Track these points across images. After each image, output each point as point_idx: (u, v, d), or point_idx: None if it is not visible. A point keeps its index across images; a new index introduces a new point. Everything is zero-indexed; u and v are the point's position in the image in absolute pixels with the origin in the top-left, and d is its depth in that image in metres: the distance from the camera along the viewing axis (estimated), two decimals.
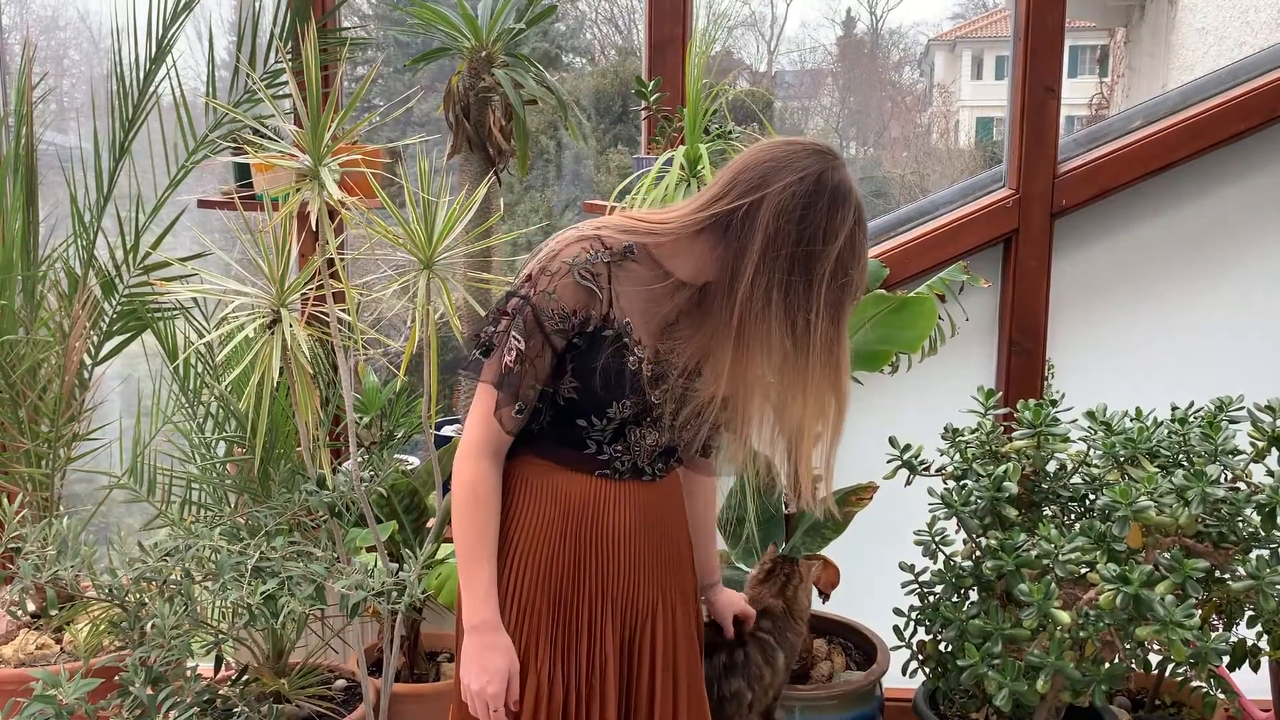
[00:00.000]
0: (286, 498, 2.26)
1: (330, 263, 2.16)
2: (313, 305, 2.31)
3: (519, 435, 1.71)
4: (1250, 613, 2.36)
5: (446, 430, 3.13)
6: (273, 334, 2.13)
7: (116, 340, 2.71)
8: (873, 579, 2.59)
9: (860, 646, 2.75)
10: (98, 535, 2.60)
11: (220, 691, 2.17)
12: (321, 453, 2.29)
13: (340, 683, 2.67)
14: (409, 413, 2.92)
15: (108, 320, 2.67)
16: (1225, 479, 2.22)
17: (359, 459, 2.32)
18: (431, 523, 2.68)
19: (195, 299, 2.62)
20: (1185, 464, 2.29)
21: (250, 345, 2.16)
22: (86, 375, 2.68)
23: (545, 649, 1.67)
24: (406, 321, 2.22)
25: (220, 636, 2.15)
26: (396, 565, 2.07)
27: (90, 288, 2.59)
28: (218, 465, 2.56)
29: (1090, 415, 2.40)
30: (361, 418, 2.84)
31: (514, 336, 1.65)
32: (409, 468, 3.01)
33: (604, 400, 1.61)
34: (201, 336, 2.36)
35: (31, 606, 2.69)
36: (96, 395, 2.82)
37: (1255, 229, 3.10)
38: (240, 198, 2.45)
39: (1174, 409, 2.40)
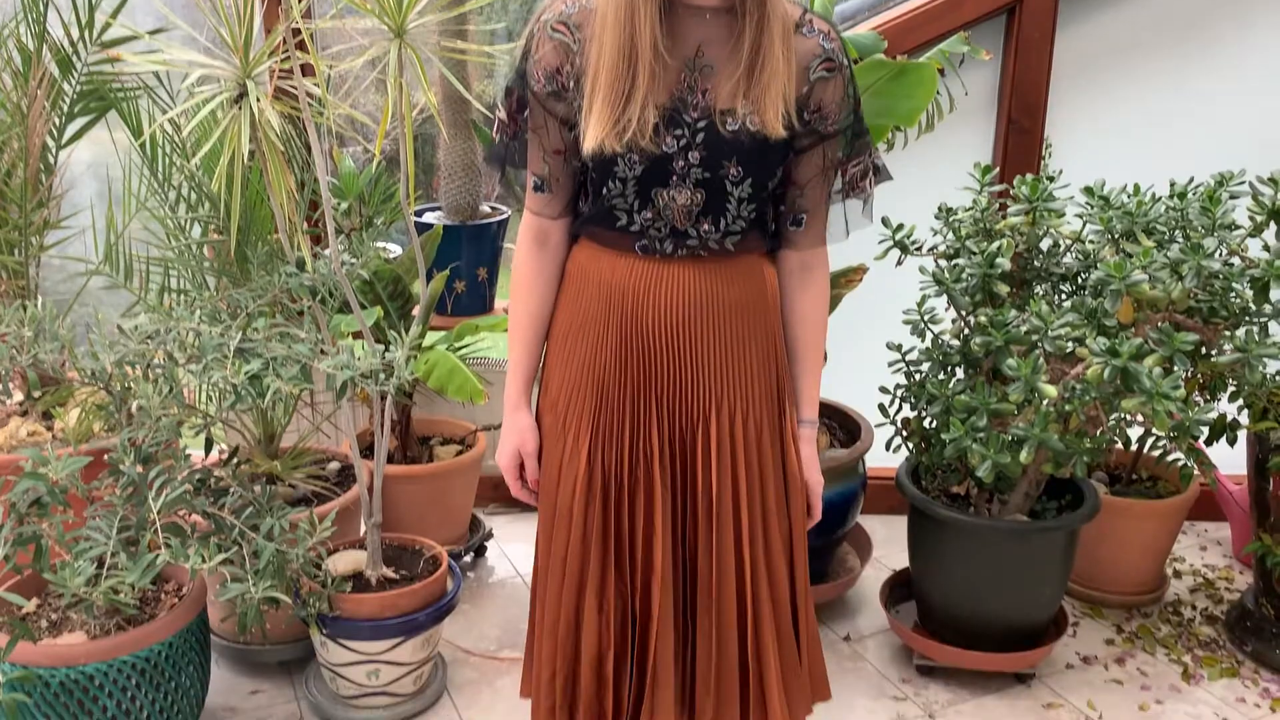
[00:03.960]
0: (266, 280, 2.21)
1: (296, 32, 2.04)
2: (280, 78, 2.19)
3: (575, 219, 1.63)
4: (1232, 388, 2.38)
5: (428, 217, 3.07)
6: (240, 109, 2.04)
7: (80, 122, 2.60)
8: (859, 363, 2.59)
9: (845, 426, 2.79)
10: (79, 332, 2.57)
11: (213, 473, 2.19)
12: (299, 236, 2.23)
13: (334, 465, 2.71)
14: (388, 199, 2.85)
15: (68, 101, 2.55)
16: (1221, 254, 2.19)
17: (339, 245, 2.27)
18: (417, 309, 2.65)
19: (158, 75, 2.49)
20: (1181, 240, 2.25)
21: (218, 122, 2.07)
22: (51, 159, 2.59)
23: (586, 436, 1.61)
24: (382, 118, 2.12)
25: (208, 419, 2.16)
26: (383, 347, 2.05)
27: (46, 65, 2.46)
28: (194, 248, 2.50)
29: (1088, 191, 2.34)
30: (339, 203, 2.77)
31: (515, 113, 1.58)
32: (391, 256, 2.96)
33: (608, 158, 1.52)
34: (167, 115, 2.25)
35: (19, 396, 2.69)
36: (65, 181, 2.73)
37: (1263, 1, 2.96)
38: None
39: (1172, 185, 2.34)
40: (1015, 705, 2.40)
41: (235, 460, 2.25)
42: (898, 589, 2.64)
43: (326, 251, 2.21)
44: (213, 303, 2.24)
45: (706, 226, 1.54)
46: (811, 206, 1.60)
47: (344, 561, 2.32)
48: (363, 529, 2.45)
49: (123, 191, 2.57)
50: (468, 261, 3.01)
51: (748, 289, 1.60)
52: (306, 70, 2.30)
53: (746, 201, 1.53)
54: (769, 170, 1.52)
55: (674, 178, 1.50)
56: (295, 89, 2.09)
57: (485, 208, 3.10)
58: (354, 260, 2.29)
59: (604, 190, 1.53)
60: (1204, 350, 2.22)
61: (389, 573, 2.33)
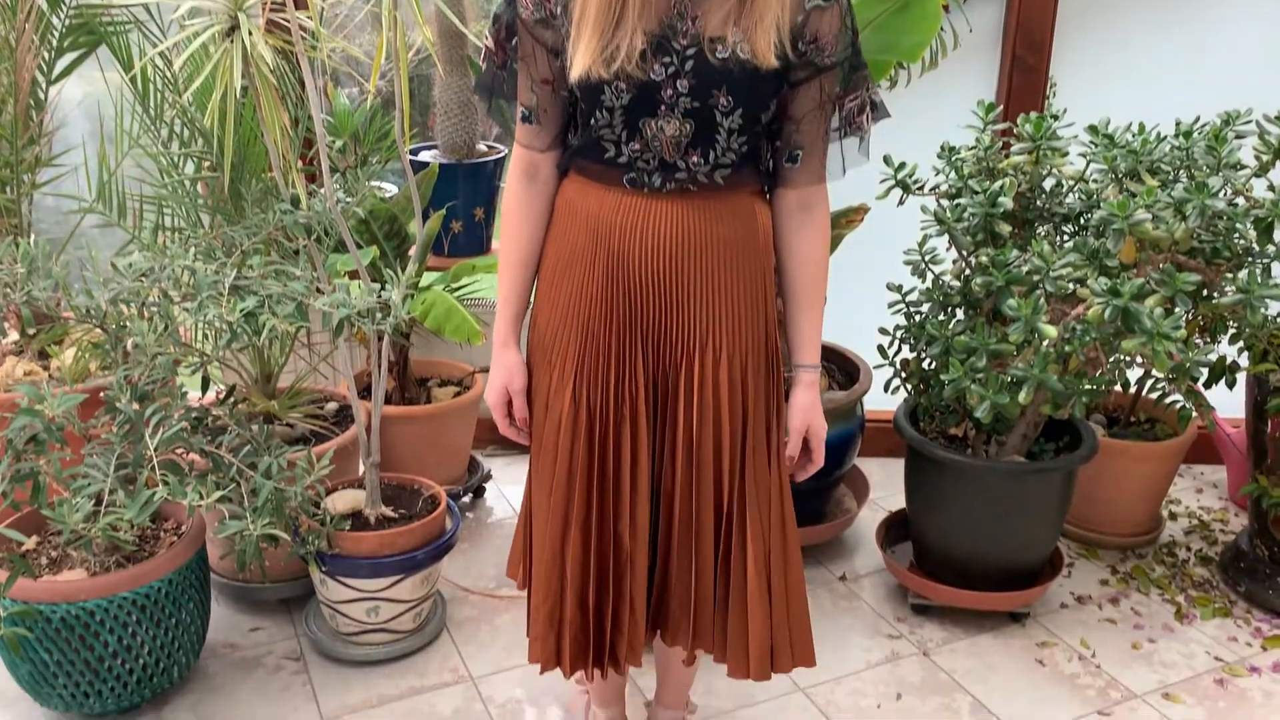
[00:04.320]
0: (261, 218, 2.19)
1: None
2: (272, 10, 2.15)
3: (564, 152, 1.60)
4: (1233, 330, 2.37)
5: (424, 155, 3.03)
6: (231, 43, 2.00)
7: (70, 57, 2.56)
8: (859, 305, 2.58)
9: (843, 368, 2.78)
10: (73, 271, 2.55)
11: (211, 412, 2.19)
12: (294, 174, 2.21)
13: (332, 406, 2.71)
14: (384, 138, 2.81)
15: (57, 35, 2.51)
16: (1226, 193, 2.17)
17: (334, 184, 2.24)
18: (413, 250, 2.63)
19: (149, 8, 2.45)
20: (1186, 179, 2.23)
21: (210, 56, 2.03)
22: (42, 95, 2.55)
23: (572, 372, 1.60)
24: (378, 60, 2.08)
25: (205, 358, 2.15)
26: (379, 286, 2.03)
27: None
28: (187, 185, 2.47)
29: (1092, 129, 2.31)
30: (334, 141, 2.74)
31: (503, 40, 1.55)
32: (387, 195, 2.93)
33: (596, 86, 1.49)
34: (158, 49, 2.21)
35: (14, 335, 2.68)
36: (56, 119, 2.70)
37: None
38: None
39: (1178, 124, 2.31)
40: (1009, 644, 2.42)
41: (232, 399, 2.24)
42: (894, 530, 2.66)
43: (322, 190, 2.18)
44: (207, 240, 2.22)
45: (695, 159, 1.50)
46: (808, 142, 1.55)
47: (343, 500, 2.32)
48: (361, 469, 2.46)
49: (115, 128, 2.54)
50: (464, 201, 2.98)
51: (737, 227, 1.56)
52: (299, 2, 2.25)
53: (737, 133, 1.49)
54: (760, 101, 1.49)
55: (662, 107, 1.47)
56: (288, 22, 2.05)
57: (482, 146, 3.06)
58: (349, 198, 2.27)
59: (592, 121, 1.50)
60: (1205, 292, 2.21)
61: (388, 512, 2.33)
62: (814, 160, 1.57)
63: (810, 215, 1.60)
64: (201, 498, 1.86)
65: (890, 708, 2.21)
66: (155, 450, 1.88)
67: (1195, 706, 2.22)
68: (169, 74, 2.44)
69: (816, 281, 1.63)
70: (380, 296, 2.02)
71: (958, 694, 2.25)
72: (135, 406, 1.93)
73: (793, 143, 1.55)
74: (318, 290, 2.07)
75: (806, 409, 1.65)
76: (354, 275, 2.54)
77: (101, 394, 1.97)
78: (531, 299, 1.69)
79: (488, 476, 3.03)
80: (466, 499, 2.98)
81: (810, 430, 1.67)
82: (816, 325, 1.65)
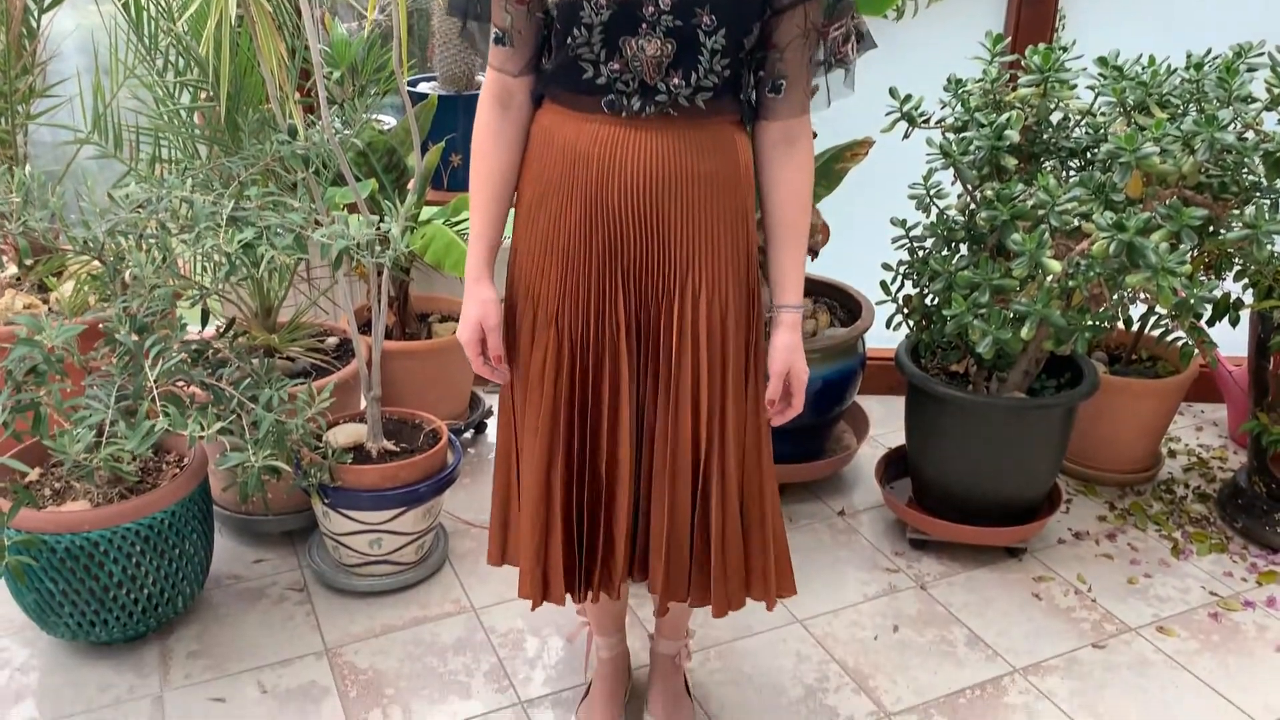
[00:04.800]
0: (258, 149, 2.16)
1: None
2: None
3: (539, 78, 1.56)
4: (1238, 267, 2.36)
5: (423, 87, 2.99)
6: None
7: None
8: (862, 241, 2.56)
9: (845, 305, 2.77)
10: (69, 203, 2.53)
11: (211, 345, 2.18)
12: (291, 104, 2.18)
13: (332, 340, 2.70)
14: (381, 69, 2.77)
15: None
16: (1235, 127, 2.14)
17: (331, 115, 2.21)
18: (412, 183, 2.60)
19: None
20: (1195, 113, 2.19)
21: None
22: (34, 23, 2.51)
23: (554, 307, 1.58)
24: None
25: (204, 291, 2.14)
26: (378, 218, 2.02)
27: None
28: (184, 115, 2.44)
29: (1101, 61, 2.27)
30: (331, 72, 2.70)
31: None
32: (386, 128, 2.90)
33: (574, 2, 1.42)
34: None
35: (13, 268, 2.67)
36: (49, 50, 2.66)
37: None
38: None
39: (1189, 56, 2.27)
40: (1006, 577, 2.44)
41: (232, 332, 2.24)
42: (893, 466, 2.67)
43: (319, 121, 2.15)
44: (204, 171, 2.20)
45: (677, 80, 1.45)
46: (792, 72, 1.51)
47: (344, 434, 2.33)
48: (362, 403, 2.46)
49: (109, 58, 2.50)
50: (464, 133, 2.95)
51: (718, 160, 1.52)
52: None
53: (720, 55, 1.45)
54: (744, 23, 1.45)
55: (643, 25, 1.42)
56: None
57: (481, 78, 3.02)
58: (347, 130, 2.24)
59: (569, 40, 1.46)
60: (1211, 228, 2.19)
61: (389, 446, 2.34)
62: (797, 90, 1.53)
63: (793, 149, 1.56)
64: (202, 429, 1.86)
65: (887, 639, 2.24)
66: (155, 382, 1.88)
67: (1189, 639, 2.25)
68: (163, 1, 2.40)
69: (799, 218, 1.59)
70: (379, 229, 2.01)
71: (954, 626, 2.28)
72: (135, 338, 1.93)
73: (776, 72, 1.52)
74: (316, 222, 2.06)
75: (788, 351, 1.60)
76: (353, 208, 2.52)
77: (101, 326, 1.96)
78: (509, 234, 1.67)
79: (489, 413, 3.03)
80: (468, 435, 2.99)
81: (791, 373, 1.61)
82: (799, 263, 1.61)
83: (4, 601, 2.27)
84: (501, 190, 1.61)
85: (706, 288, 1.55)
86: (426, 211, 2.75)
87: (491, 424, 3.07)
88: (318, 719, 2.00)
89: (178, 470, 2.19)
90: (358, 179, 2.55)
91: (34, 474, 2.16)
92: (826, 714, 2.03)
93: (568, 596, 1.71)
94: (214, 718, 2.01)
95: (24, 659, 2.15)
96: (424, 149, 2.54)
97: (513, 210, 1.65)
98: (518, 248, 1.63)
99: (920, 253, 2.41)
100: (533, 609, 1.71)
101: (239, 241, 1.87)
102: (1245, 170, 2.16)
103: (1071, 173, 2.38)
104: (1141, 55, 2.30)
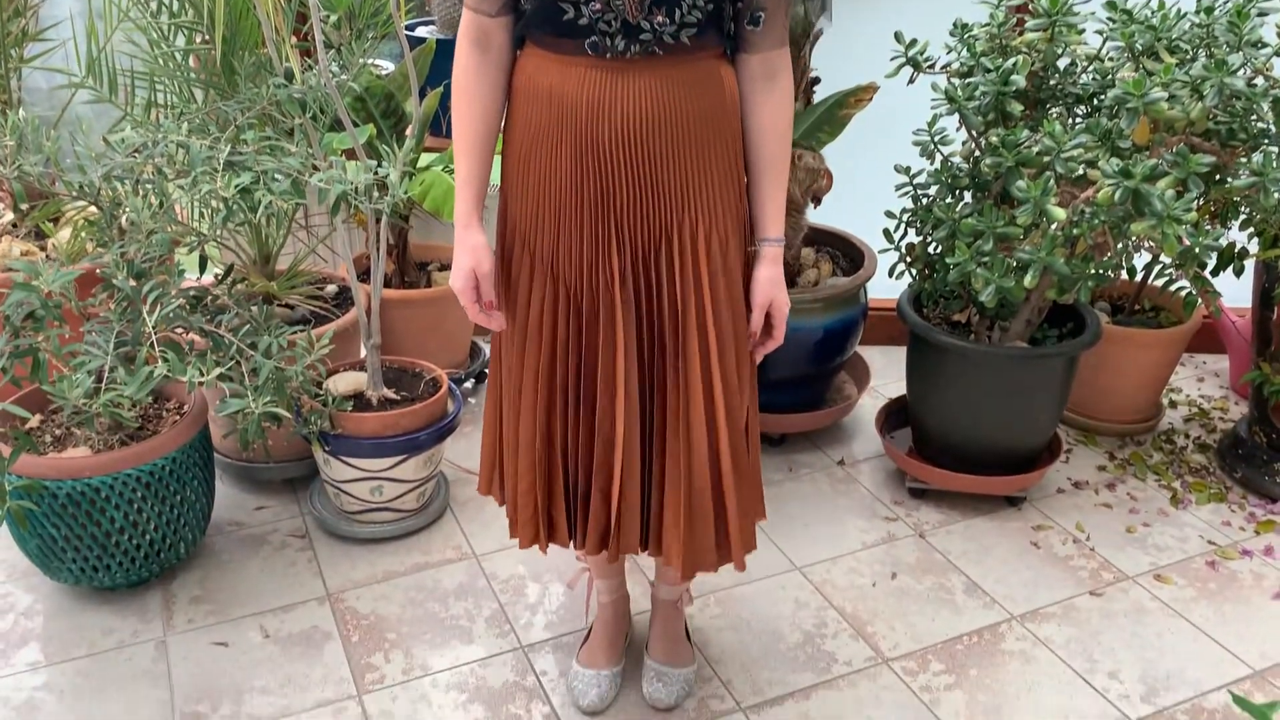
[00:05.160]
0: (254, 93, 2.14)
1: None
2: None
3: (518, 19, 1.53)
4: (1244, 215, 2.34)
5: (421, 31, 2.95)
6: None
7: None
8: (866, 190, 2.54)
9: (848, 254, 2.75)
10: (64, 148, 2.51)
11: (210, 292, 2.17)
12: (287, 48, 2.15)
13: (332, 288, 2.69)
14: (379, 13, 2.73)
15: None
16: (1245, 73, 2.11)
17: (328, 59, 2.18)
18: (410, 129, 2.57)
19: None
20: (1205, 58, 2.16)
21: None
22: None
23: (551, 256, 1.57)
24: None
25: (201, 237, 2.12)
26: (376, 163, 1.99)
27: None
28: (179, 58, 2.40)
29: (1110, 5, 2.24)
30: (328, 15, 2.66)
31: None
32: (384, 73, 2.86)
33: None
34: None
35: (10, 215, 2.65)
36: None
37: None
38: None
39: (1199, 0, 2.24)
40: (1005, 526, 2.45)
41: (231, 279, 2.22)
42: (893, 416, 2.66)
43: (316, 65, 2.12)
44: (200, 115, 2.17)
45: (661, 18, 1.43)
46: (770, 4, 1.50)
47: (344, 382, 2.33)
48: (362, 352, 2.46)
49: (102, 1, 2.46)
50: None
51: (707, 97, 1.50)
52: None
53: None
54: None
55: None
56: None
57: None
58: (344, 74, 2.21)
59: None
60: (1218, 176, 2.16)
61: (390, 394, 2.34)
62: (776, 22, 1.52)
63: (774, 83, 1.55)
64: (202, 375, 1.86)
65: (885, 587, 2.25)
66: (154, 328, 1.87)
67: (1186, 587, 2.26)
68: None
69: (780, 151, 1.58)
70: (377, 175, 1.99)
71: (952, 574, 2.29)
72: (132, 283, 1.92)
73: (754, 4, 1.49)
74: (313, 167, 2.04)
75: (770, 284, 1.61)
76: (350, 154, 2.49)
77: (98, 271, 1.95)
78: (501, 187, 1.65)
79: (489, 362, 3.02)
80: (469, 385, 2.99)
81: (773, 306, 1.62)
82: (780, 197, 1.61)
83: (8, 547, 2.29)
84: (486, 134, 1.58)
85: (704, 224, 1.55)
86: (425, 158, 2.72)
87: None
88: (320, 663, 2.02)
89: (178, 417, 2.19)
90: (355, 124, 2.52)
91: (35, 420, 2.16)
92: (824, 659, 2.05)
93: (570, 543, 1.72)
94: (217, 661, 2.02)
95: (28, 604, 2.17)
96: (422, 94, 2.51)
97: (499, 159, 1.63)
98: (509, 201, 1.61)
99: (924, 200, 2.39)
100: (540, 548, 1.73)
101: (236, 186, 1.85)
102: (1254, 117, 2.13)
103: (1078, 119, 2.35)
104: (1150, 0, 2.26)
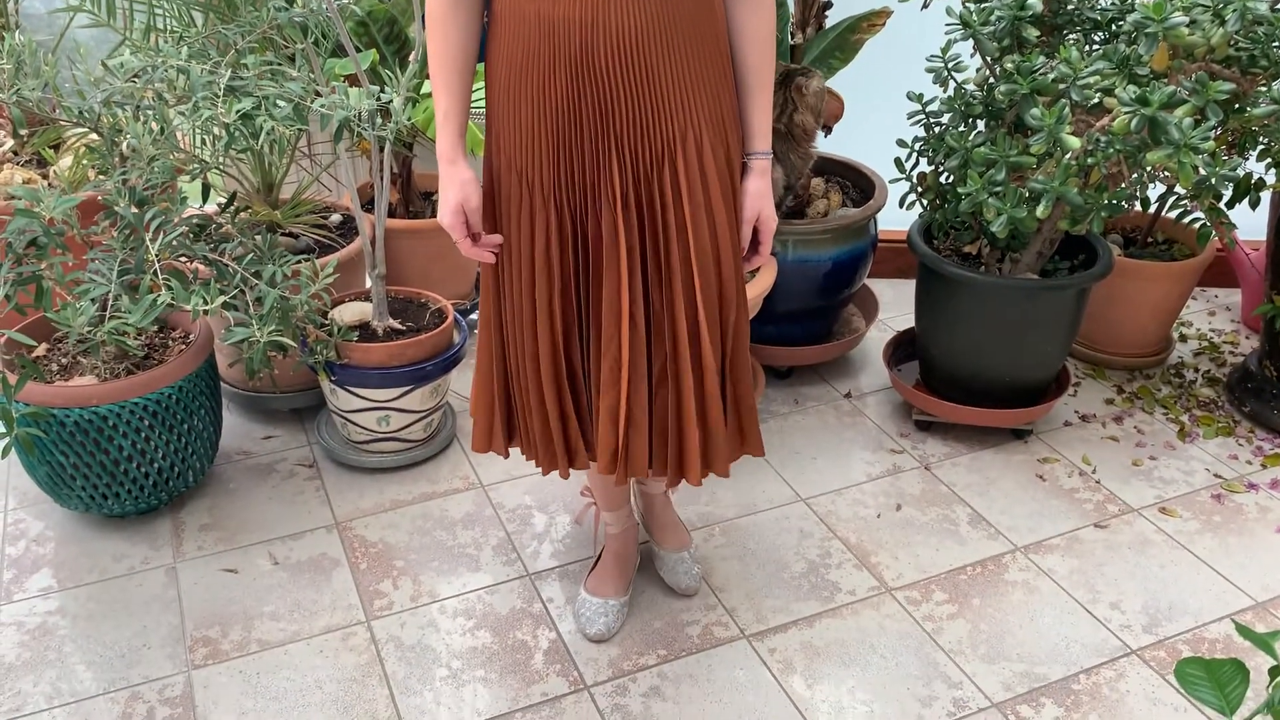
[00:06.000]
0: (255, 15, 2.09)
1: None
2: None
3: None
4: (1263, 145, 2.29)
5: None
6: None
7: None
8: (878, 119, 2.49)
9: (858, 185, 2.72)
10: (63, 74, 2.47)
11: (213, 220, 2.15)
12: None
13: (336, 218, 2.67)
14: None
15: None
16: None
17: None
18: (413, 55, 2.53)
19: None
20: None
21: None
22: None
23: (551, 184, 1.54)
24: None
25: (203, 165, 2.10)
26: (378, 89, 1.96)
27: None
28: None
29: None
30: None
31: None
32: None
33: None
34: None
35: (10, 142, 2.62)
36: None
37: None
38: None
39: None
40: (1010, 459, 2.45)
41: (234, 207, 2.21)
42: (901, 349, 2.65)
43: None
44: (200, 39, 2.13)
45: None
46: None
47: (350, 312, 2.32)
48: (367, 282, 2.44)
49: None
50: None
51: (699, 4, 1.48)
52: None
53: None
54: None
55: None
56: None
57: None
58: None
59: None
60: (1238, 104, 2.12)
61: (395, 324, 2.33)
62: None
63: None
64: (206, 303, 1.85)
65: (890, 518, 2.26)
66: (157, 255, 1.86)
67: (1190, 520, 2.27)
68: None
69: (765, 61, 1.57)
70: (380, 100, 1.96)
71: (957, 505, 2.30)
72: (135, 210, 1.90)
73: None
74: (315, 93, 2.00)
75: (758, 197, 1.61)
76: (353, 80, 2.45)
77: (100, 198, 1.93)
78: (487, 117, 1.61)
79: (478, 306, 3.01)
80: (474, 316, 2.98)
81: (761, 219, 1.63)
82: (766, 109, 1.60)
83: (19, 475, 2.31)
84: (465, 64, 1.55)
85: (709, 133, 1.53)
86: (428, 85, 2.68)
87: None
88: (329, 589, 2.04)
89: (183, 347, 2.18)
90: (358, 49, 2.48)
91: (41, 348, 2.16)
92: (828, 588, 2.07)
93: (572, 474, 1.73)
94: (227, 588, 2.05)
95: (39, 530, 2.19)
96: (424, 22, 2.46)
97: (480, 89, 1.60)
98: (500, 132, 1.57)
99: (936, 129, 2.35)
100: (561, 474, 1.75)
101: (237, 112, 1.82)
102: (1276, 44, 2.08)
103: (1095, 46, 2.30)
104: None
